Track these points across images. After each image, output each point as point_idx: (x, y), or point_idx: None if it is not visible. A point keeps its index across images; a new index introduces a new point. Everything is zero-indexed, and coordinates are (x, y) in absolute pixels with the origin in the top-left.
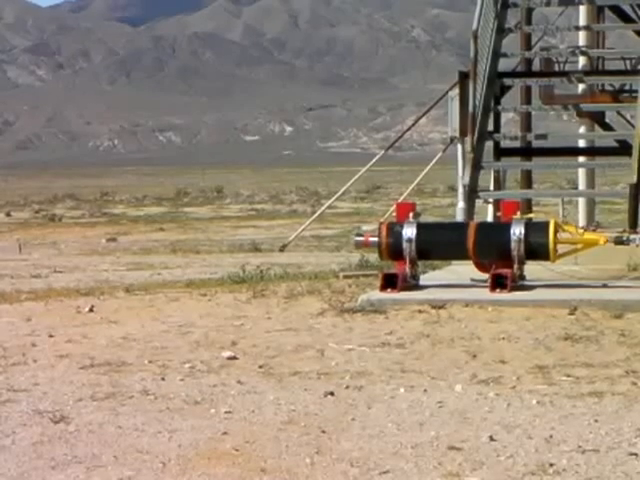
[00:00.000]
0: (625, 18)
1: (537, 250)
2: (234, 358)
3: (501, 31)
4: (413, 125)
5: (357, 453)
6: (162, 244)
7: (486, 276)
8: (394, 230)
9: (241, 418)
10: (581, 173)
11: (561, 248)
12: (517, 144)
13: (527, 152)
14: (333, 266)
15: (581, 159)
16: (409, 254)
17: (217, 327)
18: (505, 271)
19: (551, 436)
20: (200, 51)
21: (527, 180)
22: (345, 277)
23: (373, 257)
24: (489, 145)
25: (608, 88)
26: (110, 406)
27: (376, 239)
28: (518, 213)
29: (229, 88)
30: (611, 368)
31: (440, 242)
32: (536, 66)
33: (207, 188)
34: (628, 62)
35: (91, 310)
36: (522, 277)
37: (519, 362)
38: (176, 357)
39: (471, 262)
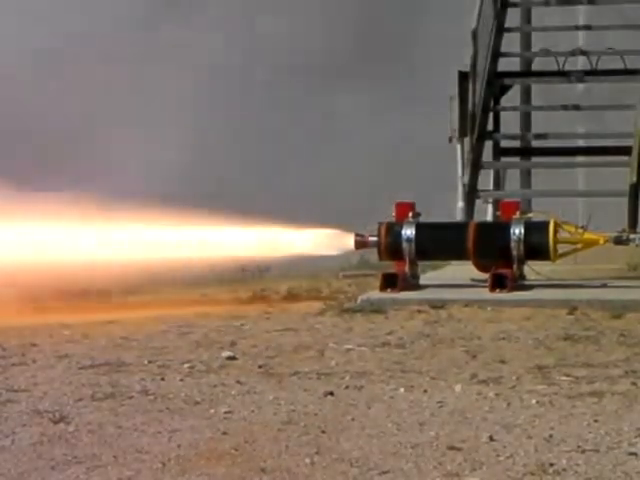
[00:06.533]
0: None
1: (537, 250)
2: (234, 358)
3: (501, 31)
4: None
5: (357, 453)
6: None
7: (486, 276)
8: (393, 230)
9: (241, 418)
10: (581, 173)
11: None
12: (517, 144)
13: (527, 152)
14: (333, 266)
15: (581, 159)
16: (409, 254)
17: (217, 327)
18: (505, 271)
19: (551, 436)
20: None
21: (527, 180)
22: (345, 277)
23: (373, 257)
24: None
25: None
26: (110, 406)
27: (375, 239)
28: (518, 213)
29: None
30: (611, 368)
31: (440, 242)
32: (536, 65)
33: None
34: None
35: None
36: (522, 277)
37: (519, 362)
38: (176, 357)
39: (471, 262)
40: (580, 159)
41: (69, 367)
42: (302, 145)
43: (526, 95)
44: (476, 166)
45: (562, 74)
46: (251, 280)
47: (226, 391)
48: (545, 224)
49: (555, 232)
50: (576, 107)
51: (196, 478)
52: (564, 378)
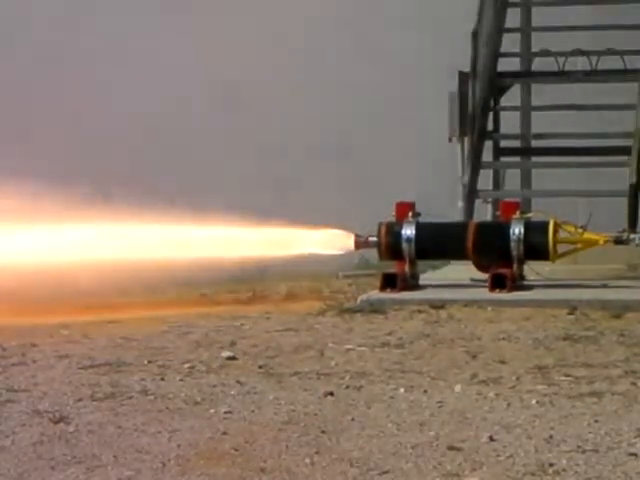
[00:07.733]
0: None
1: (537, 250)
2: (234, 358)
3: (501, 31)
4: None
5: (357, 453)
6: None
7: (486, 276)
8: (393, 230)
9: (241, 418)
10: (581, 173)
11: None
12: (517, 144)
13: (527, 152)
14: (333, 266)
15: (581, 159)
16: (409, 254)
17: (217, 327)
18: (505, 271)
19: (551, 436)
20: None
21: (527, 180)
22: (345, 277)
23: (373, 257)
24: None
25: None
26: (110, 406)
27: (375, 239)
28: (518, 213)
29: None
30: (611, 368)
31: (439, 242)
32: (536, 65)
33: None
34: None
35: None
36: (522, 277)
37: (519, 362)
38: (176, 357)
39: (471, 262)
40: (580, 159)
41: (69, 367)
42: None
43: (526, 95)
44: (476, 166)
45: (562, 74)
46: (251, 280)
47: (226, 391)
48: (545, 224)
49: (555, 232)
50: (576, 107)
51: (196, 478)
52: (564, 378)
